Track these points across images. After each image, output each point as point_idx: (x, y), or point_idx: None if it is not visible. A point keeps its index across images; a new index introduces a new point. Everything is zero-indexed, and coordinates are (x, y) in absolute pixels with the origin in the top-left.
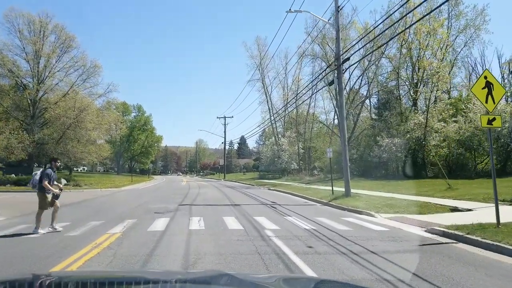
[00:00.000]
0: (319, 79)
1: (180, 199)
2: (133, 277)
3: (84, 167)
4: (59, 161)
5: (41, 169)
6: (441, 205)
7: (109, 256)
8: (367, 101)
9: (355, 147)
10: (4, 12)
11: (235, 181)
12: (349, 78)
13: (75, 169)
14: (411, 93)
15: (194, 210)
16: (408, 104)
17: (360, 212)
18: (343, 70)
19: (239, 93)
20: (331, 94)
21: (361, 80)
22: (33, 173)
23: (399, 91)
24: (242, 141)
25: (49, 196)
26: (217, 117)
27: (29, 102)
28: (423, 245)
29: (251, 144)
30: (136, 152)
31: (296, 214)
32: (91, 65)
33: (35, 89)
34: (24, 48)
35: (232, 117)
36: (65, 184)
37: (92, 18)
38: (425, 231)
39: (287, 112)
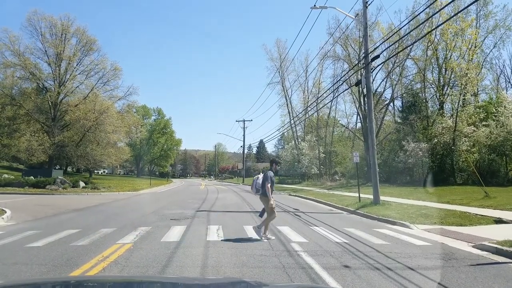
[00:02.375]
0: (341, 81)
1: (198, 204)
2: (151, 282)
3: (105, 170)
4: (279, 164)
5: (262, 172)
6: (482, 215)
7: (115, 273)
8: (391, 104)
9: (378, 151)
10: (27, 15)
11: None
12: (373, 81)
13: (95, 171)
14: (438, 95)
15: (213, 217)
16: (434, 108)
17: (393, 223)
18: (372, 69)
19: (259, 96)
20: (354, 97)
21: (385, 83)
22: (255, 176)
23: (425, 93)
24: (261, 145)
25: (272, 201)
26: (236, 121)
27: (50, 104)
28: (477, 265)
29: (270, 148)
30: (155, 155)
31: (323, 224)
32: (111, 68)
33: (56, 91)
34: (46, 51)
35: (251, 120)
36: (83, 187)
37: (112, 21)
38: (473, 246)
39: (307, 115)
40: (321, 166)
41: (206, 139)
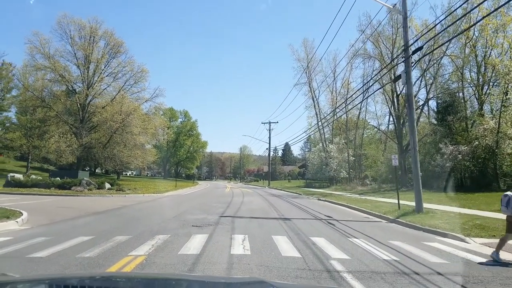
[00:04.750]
0: (373, 81)
1: (222, 208)
2: (176, 279)
3: (132, 172)
4: None
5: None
6: None
7: None
8: (426, 105)
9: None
10: (58, 19)
11: (280, 189)
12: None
13: (124, 173)
14: (477, 95)
15: (238, 224)
16: (473, 108)
17: (443, 235)
18: (412, 63)
19: (285, 97)
20: (387, 97)
21: (420, 82)
22: (503, 194)
23: (463, 93)
24: (287, 148)
25: None
26: (262, 123)
27: (79, 106)
28: None
29: (296, 151)
30: (182, 157)
31: (362, 235)
32: (138, 70)
33: (84, 93)
34: (75, 53)
35: (277, 122)
36: (108, 189)
37: (140, 24)
38: None
39: (335, 117)
40: (351, 170)
41: (232, 142)
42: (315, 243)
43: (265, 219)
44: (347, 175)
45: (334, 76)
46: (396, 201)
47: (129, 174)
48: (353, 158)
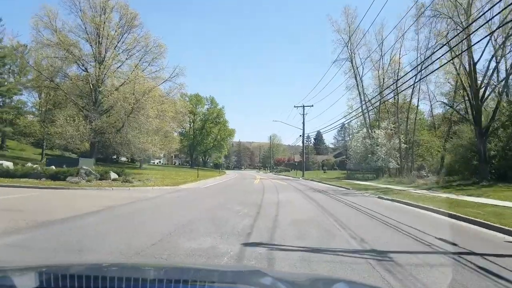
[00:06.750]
0: (440, 45)
1: (248, 220)
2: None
3: (159, 160)
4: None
5: None
6: None
7: None
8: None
9: (492, 141)
10: None
11: (318, 181)
12: (486, 46)
13: (152, 162)
14: None
15: (281, 273)
16: None
17: None
18: None
19: (321, 77)
20: (458, 69)
21: (502, 50)
22: None
23: None
24: (318, 137)
25: None
26: (295, 106)
27: (91, 87)
28: None
29: (328, 140)
30: (209, 146)
31: None
32: (155, 45)
33: (97, 73)
34: (85, 28)
35: (312, 105)
36: (113, 179)
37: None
38: None
39: (382, 98)
40: (403, 159)
41: (260, 130)
42: None
43: (333, 253)
44: (398, 166)
45: (381, 50)
46: (495, 201)
47: (157, 163)
48: (405, 146)
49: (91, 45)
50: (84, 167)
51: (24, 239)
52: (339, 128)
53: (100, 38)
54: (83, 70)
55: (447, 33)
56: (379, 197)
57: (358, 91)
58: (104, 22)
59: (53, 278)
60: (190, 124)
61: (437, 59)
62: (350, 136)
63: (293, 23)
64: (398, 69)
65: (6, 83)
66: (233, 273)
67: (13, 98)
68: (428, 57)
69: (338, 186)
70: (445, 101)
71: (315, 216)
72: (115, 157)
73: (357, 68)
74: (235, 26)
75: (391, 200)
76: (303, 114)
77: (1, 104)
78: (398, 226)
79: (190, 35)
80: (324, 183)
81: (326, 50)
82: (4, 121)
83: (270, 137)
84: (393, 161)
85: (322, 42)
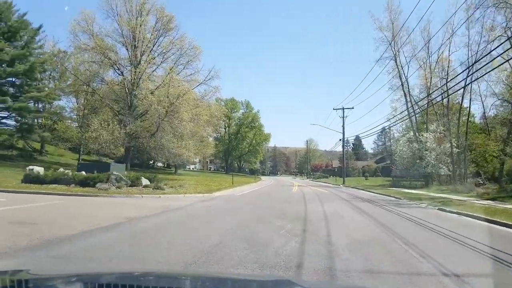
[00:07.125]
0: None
1: (295, 243)
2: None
3: (195, 166)
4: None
5: None
6: None
7: None
8: None
9: None
10: None
11: (361, 188)
12: None
13: (187, 167)
14: None
15: None
16: None
17: None
18: None
19: (362, 78)
20: None
21: None
22: None
23: None
24: (357, 142)
25: None
26: (334, 109)
27: (127, 91)
28: None
29: (368, 145)
30: (244, 151)
31: None
32: (190, 47)
33: (132, 76)
34: (122, 32)
35: (352, 108)
36: (145, 186)
37: (197, 14)
38: None
39: (431, 99)
40: (455, 166)
41: (296, 136)
42: None
43: None
44: (450, 172)
45: (428, 48)
46: None
47: (192, 169)
48: (457, 150)
49: (127, 49)
50: (115, 173)
51: (17, 264)
52: (379, 133)
53: (136, 42)
54: (119, 74)
55: (506, 25)
56: (439, 209)
57: (403, 91)
58: (140, 25)
59: None
60: (225, 129)
61: (498, 56)
62: (392, 141)
63: (293, 23)
64: (448, 67)
65: (46, 89)
66: (264, 283)
67: (53, 103)
68: (487, 54)
69: (386, 195)
70: (498, 102)
71: (376, 236)
72: (151, 162)
73: (402, 67)
74: (235, 26)
75: (457, 213)
76: (343, 117)
77: (41, 109)
78: (495, 254)
79: (190, 35)
80: (368, 191)
81: (366, 50)
82: (43, 126)
83: (307, 141)
84: (444, 167)
85: (363, 41)
